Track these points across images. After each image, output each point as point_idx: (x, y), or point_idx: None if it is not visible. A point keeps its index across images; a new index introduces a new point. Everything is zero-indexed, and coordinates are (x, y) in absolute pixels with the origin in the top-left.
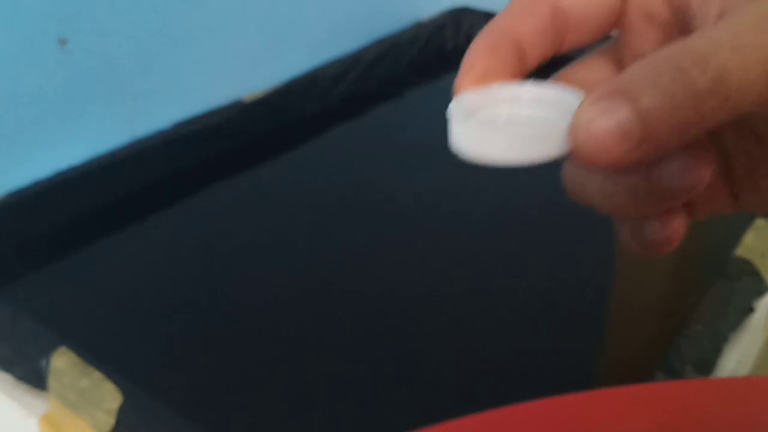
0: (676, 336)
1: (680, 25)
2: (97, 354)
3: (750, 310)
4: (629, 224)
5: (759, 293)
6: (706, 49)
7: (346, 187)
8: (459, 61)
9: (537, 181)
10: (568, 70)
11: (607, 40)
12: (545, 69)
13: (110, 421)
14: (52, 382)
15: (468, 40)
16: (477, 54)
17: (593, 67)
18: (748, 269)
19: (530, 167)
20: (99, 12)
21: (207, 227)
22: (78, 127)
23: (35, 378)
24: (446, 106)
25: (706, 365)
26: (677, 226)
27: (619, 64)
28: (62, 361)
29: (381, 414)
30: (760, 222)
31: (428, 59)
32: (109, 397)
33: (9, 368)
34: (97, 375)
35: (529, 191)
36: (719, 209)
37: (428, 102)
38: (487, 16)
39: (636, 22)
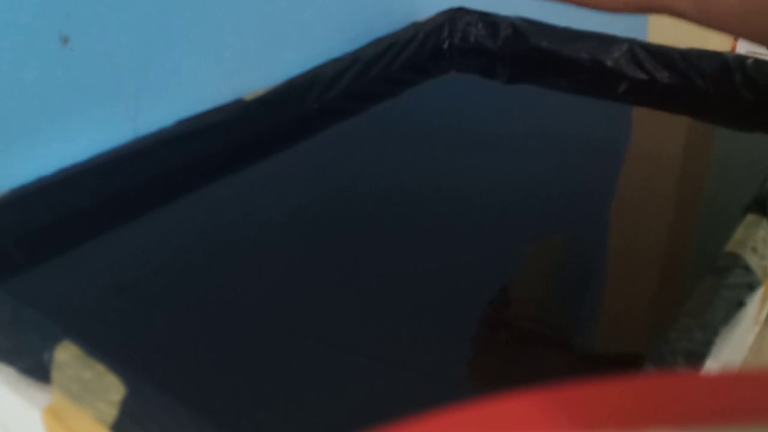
0: (666, 329)
1: None
2: (100, 347)
3: (741, 304)
4: None
5: (749, 287)
6: None
7: (346, 182)
8: (455, 60)
9: (538, 186)
10: None
11: None
12: (549, 70)
13: (113, 412)
14: (55, 374)
15: (464, 39)
16: None
17: None
18: (739, 263)
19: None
20: (101, 10)
21: (209, 222)
22: (81, 125)
23: (39, 371)
24: (443, 103)
25: (696, 357)
26: None
27: None
28: (65, 354)
29: (380, 406)
30: (750, 217)
31: (425, 58)
32: (113, 389)
33: (12, 361)
34: (100, 368)
35: (530, 191)
36: None
37: (425, 99)
38: (482, 16)
39: None
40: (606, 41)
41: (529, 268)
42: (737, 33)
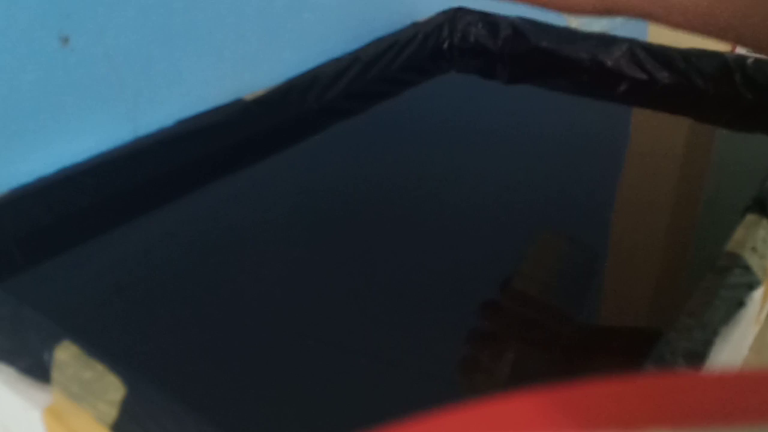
0: (666, 329)
1: None
2: (100, 347)
3: (741, 304)
4: None
5: (749, 287)
6: None
7: (345, 182)
8: (455, 60)
9: (537, 186)
10: None
11: None
12: (549, 70)
13: (113, 412)
14: (55, 374)
15: (464, 39)
16: None
17: None
18: (739, 263)
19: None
20: (101, 10)
21: (209, 222)
22: (81, 125)
23: (39, 371)
24: (443, 103)
25: (696, 357)
26: None
27: None
28: (65, 354)
29: (380, 406)
30: (750, 217)
31: (425, 58)
32: (112, 389)
33: (12, 361)
34: (100, 367)
35: (529, 191)
36: None
37: (425, 99)
38: (482, 16)
39: None
40: (606, 41)
41: (532, 261)
42: (702, 31)
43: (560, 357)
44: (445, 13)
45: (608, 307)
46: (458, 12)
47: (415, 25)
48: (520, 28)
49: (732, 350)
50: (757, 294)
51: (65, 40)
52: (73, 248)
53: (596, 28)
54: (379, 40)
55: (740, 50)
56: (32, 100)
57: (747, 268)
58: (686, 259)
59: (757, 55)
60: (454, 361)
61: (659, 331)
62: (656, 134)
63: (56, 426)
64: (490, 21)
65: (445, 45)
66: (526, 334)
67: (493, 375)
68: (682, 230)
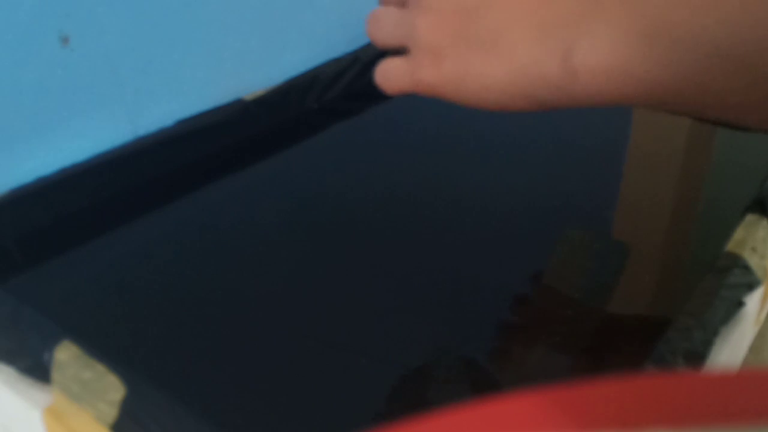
0: (666, 328)
1: None
2: (101, 347)
3: (741, 304)
4: None
5: (749, 287)
6: None
7: (346, 183)
8: None
9: (538, 186)
10: None
11: None
12: None
13: (113, 412)
14: (55, 374)
15: None
16: None
17: None
18: (739, 263)
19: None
20: (101, 10)
21: (209, 222)
22: (81, 125)
23: (39, 371)
24: (443, 103)
25: (696, 357)
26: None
27: None
28: (65, 354)
29: (380, 406)
30: (750, 217)
31: None
32: (112, 389)
33: (12, 361)
34: (100, 368)
35: (529, 191)
36: None
37: (425, 99)
38: None
39: None
40: None
41: (563, 259)
42: (611, 102)
43: (581, 354)
44: None
45: (608, 306)
46: None
47: None
48: None
49: (732, 350)
50: (757, 294)
51: (65, 40)
52: (73, 248)
53: None
54: None
55: None
56: (32, 100)
57: (747, 268)
58: (686, 259)
59: None
60: (454, 362)
61: (668, 323)
62: (656, 134)
63: (56, 426)
64: None
65: None
66: (553, 330)
67: (524, 366)
68: (682, 230)
